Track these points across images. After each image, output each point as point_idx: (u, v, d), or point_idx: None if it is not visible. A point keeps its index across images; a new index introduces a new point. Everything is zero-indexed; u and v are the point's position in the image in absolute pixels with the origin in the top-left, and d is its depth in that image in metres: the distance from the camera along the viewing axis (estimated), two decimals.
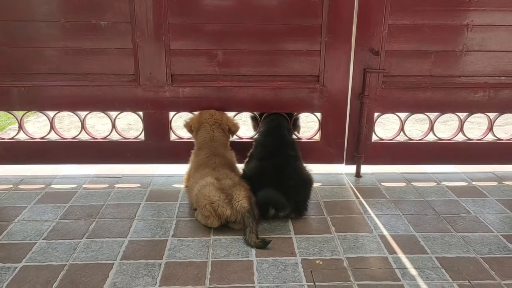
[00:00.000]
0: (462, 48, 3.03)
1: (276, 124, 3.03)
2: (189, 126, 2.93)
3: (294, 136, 3.14)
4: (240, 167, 2.91)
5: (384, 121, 5.12)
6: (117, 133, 3.22)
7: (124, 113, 3.17)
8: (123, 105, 3.08)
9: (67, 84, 3.01)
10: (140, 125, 3.18)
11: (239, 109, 3.15)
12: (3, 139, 3.20)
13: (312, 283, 2.00)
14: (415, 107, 3.15)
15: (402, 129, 3.25)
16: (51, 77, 2.99)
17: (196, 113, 3.01)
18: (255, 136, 3.16)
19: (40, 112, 3.20)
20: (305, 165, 2.83)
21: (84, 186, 3.02)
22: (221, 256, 2.21)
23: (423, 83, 3.08)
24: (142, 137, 3.18)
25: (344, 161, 3.27)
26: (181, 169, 3.06)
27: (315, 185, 2.84)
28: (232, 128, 2.91)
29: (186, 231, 2.44)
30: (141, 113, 3.13)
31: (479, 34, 3.00)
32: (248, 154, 2.99)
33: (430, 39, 3.00)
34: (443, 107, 3.15)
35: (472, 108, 3.17)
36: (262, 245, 2.27)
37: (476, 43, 3.02)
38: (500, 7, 2.95)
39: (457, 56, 3.05)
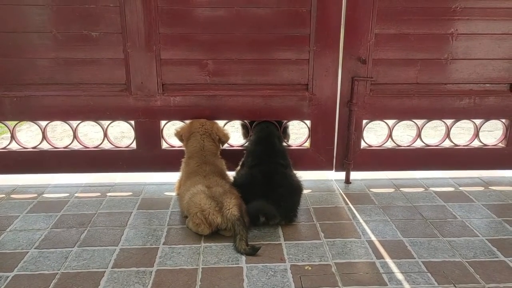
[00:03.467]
0: (447, 56, 3.10)
1: (267, 132, 3.07)
2: (179, 135, 2.97)
3: (284, 144, 3.18)
4: (231, 174, 2.94)
5: (375, 127, 5.19)
6: (109, 142, 3.24)
7: (117, 122, 3.20)
8: (115, 114, 3.12)
9: (59, 94, 3.04)
10: (132, 133, 3.21)
11: (230, 117, 3.20)
12: None
13: None
14: (402, 114, 3.21)
15: (390, 135, 3.30)
16: (43, 87, 3.03)
17: (187, 122, 3.05)
18: (246, 144, 3.20)
19: (32, 122, 3.22)
20: (295, 172, 2.87)
21: (76, 195, 3.04)
22: (211, 263, 2.24)
23: (410, 91, 3.15)
24: (134, 145, 3.21)
25: (334, 168, 3.32)
26: (173, 177, 3.09)
27: (305, 191, 2.89)
28: (222, 138, 2.95)
29: (177, 239, 2.47)
30: (132, 122, 3.16)
31: (464, 42, 3.07)
32: (240, 163, 3.03)
33: (416, 48, 3.07)
34: (430, 114, 3.22)
35: (458, 114, 3.23)
36: (252, 251, 2.30)
37: (461, 51, 3.09)
38: (484, 16, 3.02)
39: (442, 64, 3.11)
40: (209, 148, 2.85)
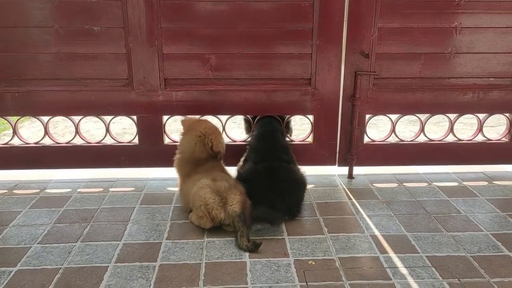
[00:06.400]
0: (451, 50, 3.08)
1: (270, 128, 3.06)
2: (182, 124, 2.89)
3: (287, 139, 3.17)
4: (230, 169, 2.92)
5: (377, 122, 5.17)
6: (111, 137, 3.23)
7: (119, 118, 3.19)
8: (117, 110, 3.10)
9: (61, 89, 3.03)
10: (134, 129, 3.20)
11: (232, 112, 3.19)
12: None
13: (305, 283, 2.03)
14: (405, 109, 3.20)
15: (393, 130, 3.29)
16: (45, 82, 3.01)
17: (197, 117, 3.02)
18: (249, 140, 3.19)
19: (35, 117, 3.21)
20: (299, 167, 2.86)
21: (78, 190, 3.04)
22: (214, 257, 2.23)
23: (413, 85, 3.13)
24: (136, 141, 3.20)
25: (337, 163, 3.30)
26: (175, 173, 3.07)
27: (308, 187, 2.88)
28: (214, 148, 2.72)
29: (180, 234, 2.47)
30: (135, 117, 3.15)
31: (468, 36, 3.05)
32: (242, 158, 3.02)
33: (420, 42, 3.04)
34: (433, 109, 3.20)
35: (461, 109, 3.21)
36: (254, 248, 2.28)
37: (464, 45, 3.07)
38: (488, 9, 3.00)
39: (446, 58, 3.09)
40: (200, 150, 2.72)
